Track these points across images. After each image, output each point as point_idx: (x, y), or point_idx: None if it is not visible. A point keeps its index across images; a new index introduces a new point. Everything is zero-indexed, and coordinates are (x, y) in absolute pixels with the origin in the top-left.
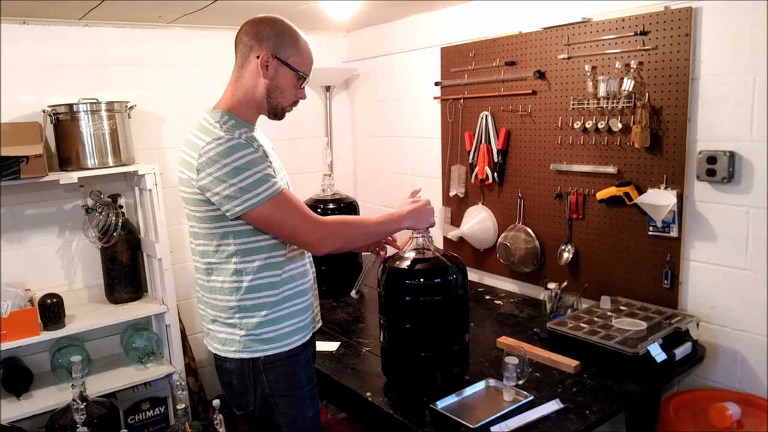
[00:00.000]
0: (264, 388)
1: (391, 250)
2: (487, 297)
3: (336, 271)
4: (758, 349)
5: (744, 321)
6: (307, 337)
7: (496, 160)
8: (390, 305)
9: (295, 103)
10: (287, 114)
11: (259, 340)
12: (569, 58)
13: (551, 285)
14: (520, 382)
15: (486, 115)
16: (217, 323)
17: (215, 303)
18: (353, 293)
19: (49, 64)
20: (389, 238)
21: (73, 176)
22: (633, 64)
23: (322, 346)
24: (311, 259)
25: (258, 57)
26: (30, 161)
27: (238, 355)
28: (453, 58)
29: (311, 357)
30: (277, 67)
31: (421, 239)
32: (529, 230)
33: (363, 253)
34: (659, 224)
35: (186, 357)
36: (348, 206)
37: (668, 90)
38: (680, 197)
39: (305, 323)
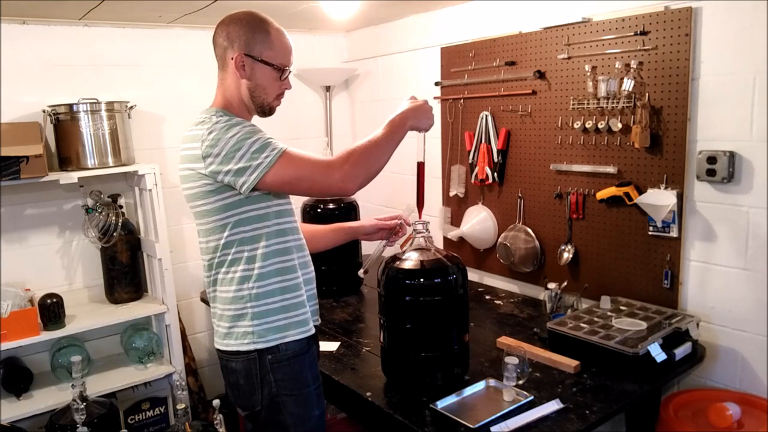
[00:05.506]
0: (271, 388)
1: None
2: (487, 297)
3: (336, 271)
4: (758, 349)
5: (744, 321)
6: (313, 330)
7: (496, 160)
8: (390, 305)
9: (281, 95)
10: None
11: (273, 329)
12: (569, 58)
13: (551, 285)
14: (520, 382)
15: (486, 115)
16: (227, 318)
17: (226, 296)
18: (361, 272)
19: (49, 64)
20: (404, 222)
21: (73, 176)
22: (633, 64)
23: (322, 346)
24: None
25: (232, 59)
26: (30, 161)
27: (252, 347)
28: (453, 58)
29: (316, 356)
30: (253, 65)
31: (421, 239)
32: (529, 230)
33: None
34: (659, 224)
35: (186, 357)
36: (348, 206)
37: (668, 90)
38: (680, 197)
39: (313, 309)
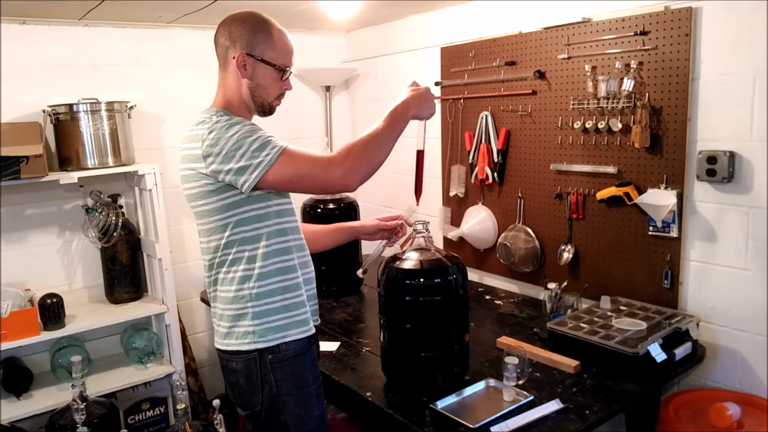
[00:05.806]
0: (271, 388)
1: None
2: (487, 297)
3: (336, 271)
4: (758, 349)
5: (744, 321)
6: (313, 330)
7: (496, 160)
8: (390, 305)
9: (282, 95)
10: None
11: (274, 328)
12: (569, 58)
13: (551, 285)
14: (520, 382)
15: (486, 115)
16: (227, 318)
17: (226, 295)
18: (360, 272)
19: (49, 64)
20: (405, 222)
21: (73, 176)
22: (633, 64)
23: (322, 346)
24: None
25: (234, 58)
26: (30, 161)
27: (253, 347)
28: (453, 58)
29: (316, 356)
30: (254, 65)
31: (421, 239)
32: (529, 230)
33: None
34: (659, 224)
35: (186, 357)
36: (348, 206)
37: (668, 90)
38: (680, 197)
39: (313, 309)
